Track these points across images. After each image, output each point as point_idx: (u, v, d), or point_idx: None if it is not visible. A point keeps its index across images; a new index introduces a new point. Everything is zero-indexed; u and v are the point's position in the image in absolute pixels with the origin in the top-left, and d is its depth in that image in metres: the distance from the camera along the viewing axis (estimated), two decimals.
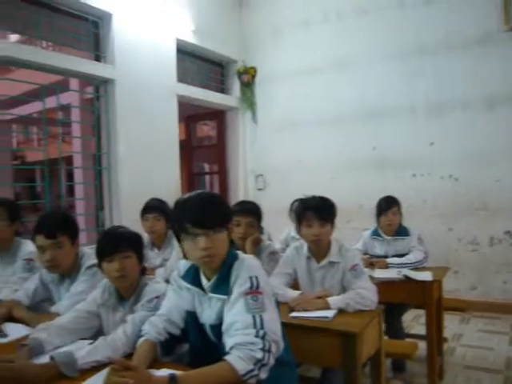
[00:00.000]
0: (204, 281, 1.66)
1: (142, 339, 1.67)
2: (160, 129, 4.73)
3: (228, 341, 1.48)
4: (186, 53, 5.24)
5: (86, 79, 4.51)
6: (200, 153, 7.15)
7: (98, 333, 1.94)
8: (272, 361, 1.44)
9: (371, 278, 2.48)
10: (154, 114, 4.63)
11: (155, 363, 1.62)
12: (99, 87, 4.39)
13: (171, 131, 4.92)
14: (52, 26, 3.98)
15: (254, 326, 1.45)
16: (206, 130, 8.45)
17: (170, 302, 1.76)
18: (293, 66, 5.66)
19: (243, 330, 1.45)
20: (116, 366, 1.36)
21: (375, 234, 3.45)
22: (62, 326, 1.85)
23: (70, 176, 8.00)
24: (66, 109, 8.73)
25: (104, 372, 1.44)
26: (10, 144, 12.24)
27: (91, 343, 1.70)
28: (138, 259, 1.93)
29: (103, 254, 1.89)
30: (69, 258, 2.20)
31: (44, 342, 1.73)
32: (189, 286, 1.69)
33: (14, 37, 5.56)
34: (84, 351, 1.60)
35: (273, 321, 1.51)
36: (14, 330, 2.05)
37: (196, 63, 5.55)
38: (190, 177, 6.64)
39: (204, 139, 8.53)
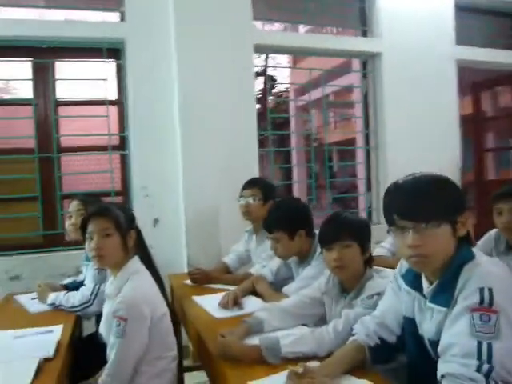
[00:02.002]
0: (425, 284, 1.31)
1: (351, 339, 1.47)
2: (434, 101, 4.21)
3: (441, 366, 1.14)
4: (466, 9, 4.49)
5: (354, 57, 4.43)
6: (495, 125, 6.14)
7: (321, 321, 1.84)
8: None
9: None
10: (427, 84, 4.14)
11: (361, 369, 1.40)
12: (367, 63, 4.24)
13: (449, 102, 4.33)
14: (319, 9, 4.02)
15: (479, 355, 1.06)
16: (500, 97, 7.19)
17: (386, 302, 1.48)
18: None
19: (461, 359, 1.08)
20: (294, 369, 1.23)
21: None
22: (284, 309, 1.81)
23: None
24: (349, 91, 8.94)
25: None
26: (309, 128, 13.37)
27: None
28: (361, 249, 1.70)
29: (323, 241, 1.75)
30: (289, 250, 2.17)
31: (264, 321, 1.73)
32: (408, 288, 1.38)
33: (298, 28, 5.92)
34: (289, 340, 1.52)
35: (509, 354, 1.07)
36: (251, 305, 2.15)
37: (480, 19, 4.70)
38: (481, 154, 5.77)
39: (500, 109, 7.30)
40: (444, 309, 1.21)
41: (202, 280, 2.64)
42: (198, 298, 2.33)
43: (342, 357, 1.41)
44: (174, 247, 3.41)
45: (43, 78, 3.33)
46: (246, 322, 1.73)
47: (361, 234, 1.73)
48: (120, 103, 3.48)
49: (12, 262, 3.12)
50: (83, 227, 1.73)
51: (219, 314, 2.07)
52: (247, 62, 3.59)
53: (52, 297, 2.30)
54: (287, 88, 13.24)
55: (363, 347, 1.43)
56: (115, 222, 1.71)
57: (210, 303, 2.21)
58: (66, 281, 2.56)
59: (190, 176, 3.38)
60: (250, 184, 2.79)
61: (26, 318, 2.20)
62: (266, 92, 13.05)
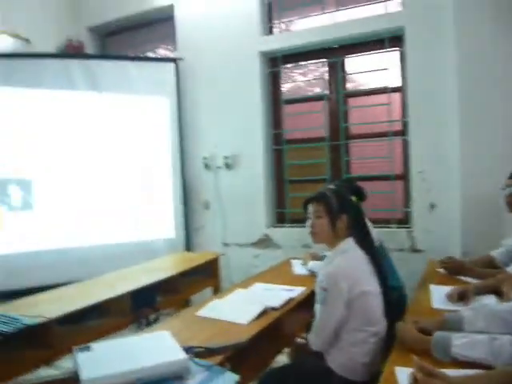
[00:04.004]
0: None
1: None
2: None
3: None
4: None
5: None
6: None
7: None
8: None
9: None
10: None
11: None
12: None
13: None
14: None
15: None
16: None
17: None
18: None
19: None
20: (419, 367, 1.23)
21: None
22: (495, 312, 1.66)
23: None
24: None
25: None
26: None
27: None
28: None
29: None
30: None
31: (464, 319, 1.66)
32: None
33: None
34: (462, 341, 1.45)
35: None
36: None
37: None
38: None
39: None
40: None
41: (454, 270, 2.56)
42: (434, 287, 2.31)
43: (504, 374, 1.27)
44: (449, 233, 3.32)
45: (334, 75, 3.81)
46: (445, 316, 1.70)
47: None
48: (403, 90, 3.58)
49: (304, 232, 3.76)
50: (305, 208, 2.08)
51: (439, 304, 2.04)
52: None
53: (311, 264, 2.76)
54: None
55: None
56: (326, 207, 1.98)
57: (439, 293, 2.18)
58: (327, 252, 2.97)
59: (469, 162, 3.18)
60: None
61: (289, 277, 2.74)
62: None
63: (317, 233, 2.02)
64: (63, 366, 2.62)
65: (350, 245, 2.00)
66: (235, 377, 1.41)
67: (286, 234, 3.92)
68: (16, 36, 4.09)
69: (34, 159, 3.74)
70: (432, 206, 3.42)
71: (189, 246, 4.17)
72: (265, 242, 3.98)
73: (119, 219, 3.97)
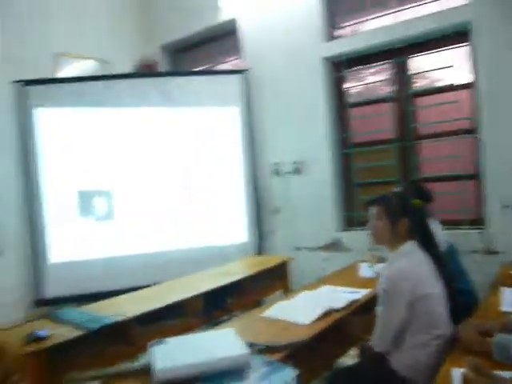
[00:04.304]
0: None
1: None
2: None
3: None
4: None
5: None
6: None
7: None
8: None
9: None
10: None
11: None
12: None
13: None
14: None
15: None
16: None
17: None
18: None
19: None
20: (472, 366, 1.24)
21: None
22: None
23: None
24: None
25: None
26: None
27: None
28: None
29: None
30: None
31: None
32: None
33: None
34: None
35: None
36: None
37: None
38: None
39: None
40: None
41: None
42: (506, 290, 2.25)
43: None
44: None
45: (400, 75, 3.76)
46: (510, 319, 1.68)
47: None
48: (473, 87, 3.46)
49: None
50: (367, 210, 2.12)
51: (508, 307, 2.00)
52: None
53: (377, 266, 2.77)
54: None
55: None
56: (385, 209, 2.00)
57: (511, 296, 2.12)
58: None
59: None
60: None
61: (355, 280, 2.78)
62: None
63: (376, 234, 2.05)
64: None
65: (411, 247, 2.00)
66: (294, 372, 1.49)
67: (355, 237, 3.93)
68: (99, 60, 4.49)
69: (114, 172, 4.07)
70: (506, 206, 3.27)
71: (260, 250, 4.31)
72: (334, 246, 4.02)
73: (194, 225, 4.20)
